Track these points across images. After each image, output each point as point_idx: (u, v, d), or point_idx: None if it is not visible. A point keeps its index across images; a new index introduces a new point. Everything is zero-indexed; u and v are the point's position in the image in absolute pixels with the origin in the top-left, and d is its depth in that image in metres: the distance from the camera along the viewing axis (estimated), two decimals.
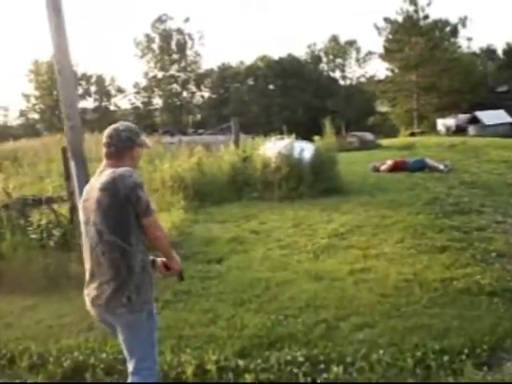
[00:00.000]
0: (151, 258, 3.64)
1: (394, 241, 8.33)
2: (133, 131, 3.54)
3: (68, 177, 8.14)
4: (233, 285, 6.85)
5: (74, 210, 8.02)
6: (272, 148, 13.87)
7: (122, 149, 3.45)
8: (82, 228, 3.54)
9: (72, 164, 7.26)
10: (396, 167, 16.31)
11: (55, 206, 8.84)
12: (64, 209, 8.80)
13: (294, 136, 14.25)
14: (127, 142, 3.47)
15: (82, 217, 3.54)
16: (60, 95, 7.17)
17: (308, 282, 6.75)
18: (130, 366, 3.60)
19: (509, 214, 9.90)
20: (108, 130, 3.52)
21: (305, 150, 13.38)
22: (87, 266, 3.52)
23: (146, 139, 3.70)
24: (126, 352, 3.63)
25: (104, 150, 3.49)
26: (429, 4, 53.70)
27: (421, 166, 16.16)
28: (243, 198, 12.60)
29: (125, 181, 3.27)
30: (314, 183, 12.67)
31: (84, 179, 7.29)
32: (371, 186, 13.54)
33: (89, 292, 3.51)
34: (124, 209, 3.29)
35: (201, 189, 12.86)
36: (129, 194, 3.26)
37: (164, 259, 3.70)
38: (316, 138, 14.54)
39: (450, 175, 14.88)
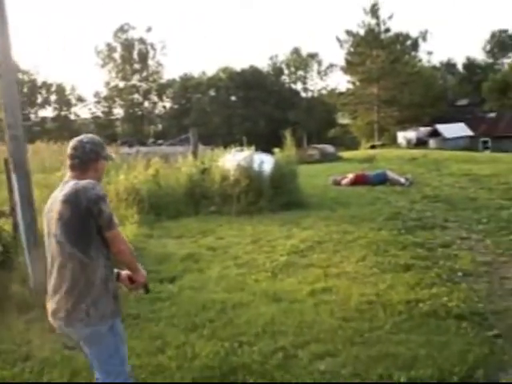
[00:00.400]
0: (116, 270, 3.58)
1: (355, 258, 7.97)
2: (97, 144, 3.49)
3: (11, 190, 7.57)
4: (185, 307, 6.38)
5: (16, 225, 7.47)
6: (231, 160, 13.46)
7: (86, 161, 3.40)
8: (45, 240, 3.46)
9: (13, 177, 6.72)
10: (357, 181, 16.08)
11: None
12: (8, 224, 8.23)
13: (253, 148, 13.86)
14: (91, 155, 3.42)
15: (44, 229, 3.46)
16: (1, 102, 6.64)
17: (265, 305, 6.33)
18: (100, 380, 3.53)
19: (473, 229, 9.66)
20: (73, 142, 3.46)
21: (265, 162, 12.97)
22: (49, 279, 3.46)
23: (110, 152, 3.66)
24: (94, 367, 3.55)
25: (68, 161, 3.43)
26: (390, 17, 54.27)
27: (382, 180, 15.96)
28: (201, 211, 12.15)
29: (87, 193, 3.19)
30: (274, 197, 12.30)
31: (26, 193, 6.78)
32: (332, 200, 13.24)
33: (50, 305, 3.44)
34: (85, 221, 3.21)
35: (157, 202, 12.37)
36: (91, 207, 3.18)
37: (129, 272, 3.61)
38: (276, 150, 14.14)
39: (412, 189, 14.68)
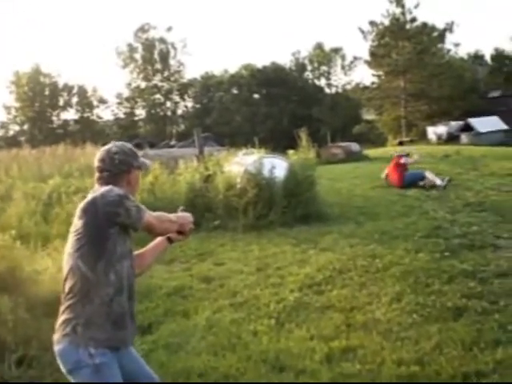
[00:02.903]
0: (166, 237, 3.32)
1: (388, 297, 6.06)
2: (128, 153, 3.11)
3: None
4: None
5: None
6: (238, 165, 11.60)
7: (116, 174, 3.04)
8: None
9: None
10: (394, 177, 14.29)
11: None
12: None
13: (263, 150, 12.00)
14: (122, 166, 3.06)
15: None
16: None
17: (262, 378, 4.48)
18: None
19: None
20: (100, 153, 3.12)
21: (276, 167, 11.01)
22: None
23: (144, 160, 3.24)
24: None
25: (96, 174, 3.08)
26: (416, 6, 51.60)
27: (418, 179, 14.18)
28: (202, 227, 10.25)
29: (106, 198, 2.83)
30: (287, 209, 10.39)
31: None
32: (358, 211, 11.31)
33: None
34: (100, 231, 2.84)
35: None
36: (113, 212, 2.82)
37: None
38: (290, 152, 12.18)
39: (451, 193, 12.69)
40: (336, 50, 75.13)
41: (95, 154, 3.12)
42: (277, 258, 8.17)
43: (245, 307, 6.23)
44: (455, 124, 41.18)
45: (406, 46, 51.05)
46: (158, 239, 3.33)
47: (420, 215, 10.49)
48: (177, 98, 77.74)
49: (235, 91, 74.14)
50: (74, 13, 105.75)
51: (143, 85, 75.02)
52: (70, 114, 73.00)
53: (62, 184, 13.53)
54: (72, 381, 2.86)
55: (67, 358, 2.83)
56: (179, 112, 78.88)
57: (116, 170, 3.04)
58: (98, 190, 2.97)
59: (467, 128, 38.79)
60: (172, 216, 3.19)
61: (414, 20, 52.31)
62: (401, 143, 40.21)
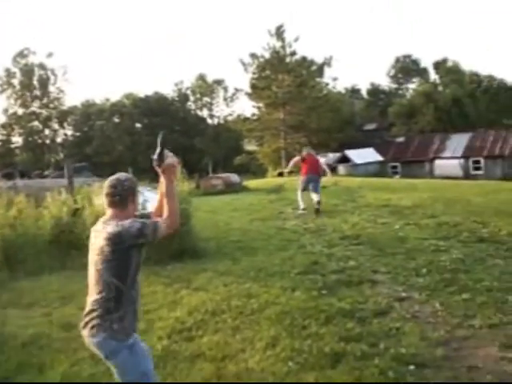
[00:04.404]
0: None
1: (263, 343, 5.63)
2: (133, 181, 3.69)
3: None
4: None
5: None
6: None
7: (126, 197, 3.58)
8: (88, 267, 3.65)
9: None
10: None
11: None
12: None
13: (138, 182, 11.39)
14: (130, 191, 3.60)
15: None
16: None
17: None
18: None
19: (412, 284, 7.57)
20: (111, 181, 3.61)
21: (149, 200, 10.41)
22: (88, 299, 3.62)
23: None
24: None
25: (107, 199, 3.59)
26: (296, 40, 52.90)
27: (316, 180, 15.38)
28: (68, 265, 9.49)
29: (130, 233, 3.38)
30: (161, 245, 9.82)
31: None
32: (234, 245, 10.90)
33: (83, 322, 3.57)
34: (126, 256, 3.44)
35: (15, 253, 9.77)
36: (136, 243, 3.40)
37: None
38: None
39: (328, 226, 12.59)
40: (218, 82, 76.09)
41: None
42: (147, 299, 7.51)
43: None
44: (333, 156, 42.26)
45: (286, 78, 52.15)
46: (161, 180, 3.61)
47: (297, 249, 10.23)
48: (56, 126, 76.00)
49: (117, 120, 73.28)
50: None
51: (20, 111, 72.90)
52: None
53: None
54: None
55: (111, 352, 3.48)
56: (59, 140, 76.73)
57: (125, 193, 3.56)
58: (112, 216, 3.50)
59: (344, 159, 39.92)
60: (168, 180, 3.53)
61: (293, 54, 53.65)
62: (280, 174, 40.62)
